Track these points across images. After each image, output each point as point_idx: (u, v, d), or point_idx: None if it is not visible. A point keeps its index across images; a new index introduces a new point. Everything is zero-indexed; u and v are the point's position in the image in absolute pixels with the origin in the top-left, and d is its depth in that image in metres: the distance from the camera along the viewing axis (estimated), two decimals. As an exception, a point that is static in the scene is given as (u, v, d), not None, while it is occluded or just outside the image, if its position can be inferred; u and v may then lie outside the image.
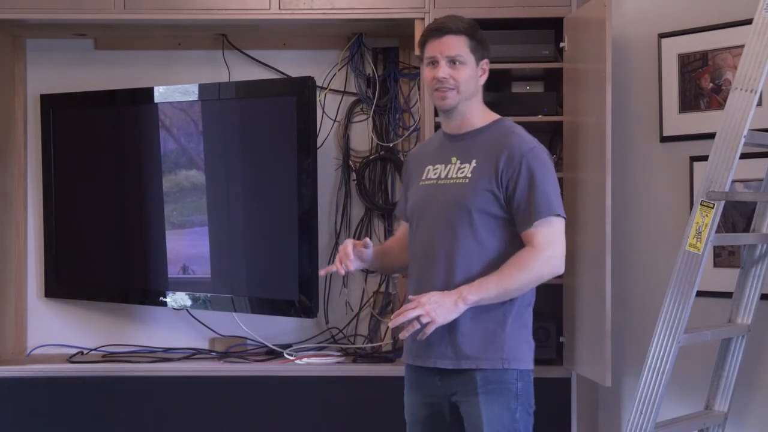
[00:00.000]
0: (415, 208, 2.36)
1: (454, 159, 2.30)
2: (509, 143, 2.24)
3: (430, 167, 2.36)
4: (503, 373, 2.21)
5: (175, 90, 3.49)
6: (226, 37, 3.63)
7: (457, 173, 2.28)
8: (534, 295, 2.30)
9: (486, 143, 2.28)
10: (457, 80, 2.27)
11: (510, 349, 2.22)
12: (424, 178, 2.37)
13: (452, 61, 2.27)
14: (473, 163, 2.26)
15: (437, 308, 2.13)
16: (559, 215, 2.21)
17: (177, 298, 3.52)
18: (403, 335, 2.17)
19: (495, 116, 2.36)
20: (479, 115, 2.34)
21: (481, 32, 2.31)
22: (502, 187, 2.21)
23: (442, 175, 2.31)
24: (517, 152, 2.22)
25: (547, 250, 2.18)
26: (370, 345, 3.60)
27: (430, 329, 2.13)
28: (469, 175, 2.25)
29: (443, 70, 2.27)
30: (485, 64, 2.33)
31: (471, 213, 2.22)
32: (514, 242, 2.23)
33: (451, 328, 2.20)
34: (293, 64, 3.64)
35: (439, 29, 2.28)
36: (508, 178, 2.21)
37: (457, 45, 2.27)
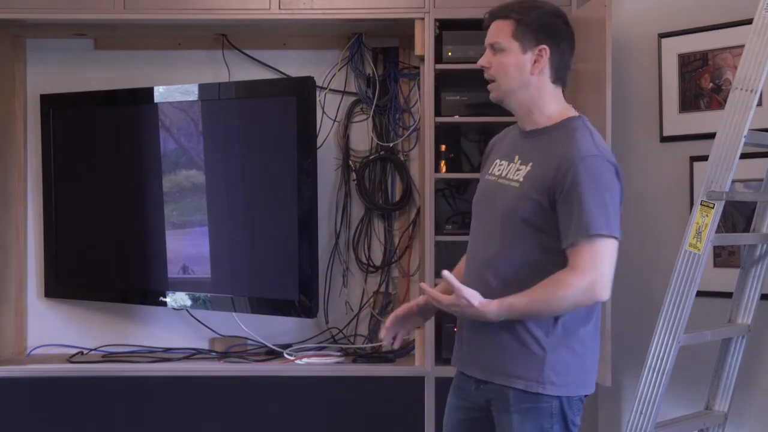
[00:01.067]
0: (476, 203, 2.21)
1: (516, 158, 2.11)
2: (563, 150, 2.01)
3: (498, 161, 2.18)
4: (539, 395, 2.03)
5: (175, 90, 3.49)
6: (226, 37, 3.63)
7: (514, 174, 2.10)
8: (591, 313, 2.06)
9: (547, 146, 2.07)
10: (495, 70, 2.09)
11: (549, 371, 2.03)
12: (490, 172, 2.19)
13: (493, 48, 2.09)
14: (529, 167, 2.07)
15: (458, 314, 2.06)
16: (602, 235, 1.94)
17: (177, 298, 3.52)
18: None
19: (568, 114, 2.11)
20: (547, 113, 2.10)
21: (543, 14, 2.07)
22: (551, 198, 2.00)
23: (503, 174, 2.13)
24: (567, 161, 1.98)
25: (587, 274, 1.94)
26: (370, 345, 3.60)
27: None
28: (521, 180, 2.06)
29: (483, 58, 2.11)
30: (540, 50, 2.05)
31: (517, 221, 2.05)
32: (558, 257, 2.01)
33: (490, 338, 2.08)
34: (293, 64, 3.64)
35: (488, 14, 2.12)
36: (555, 189, 1.99)
37: (498, 30, 2.08)
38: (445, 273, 2.03)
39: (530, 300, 1.99)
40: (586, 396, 2.12)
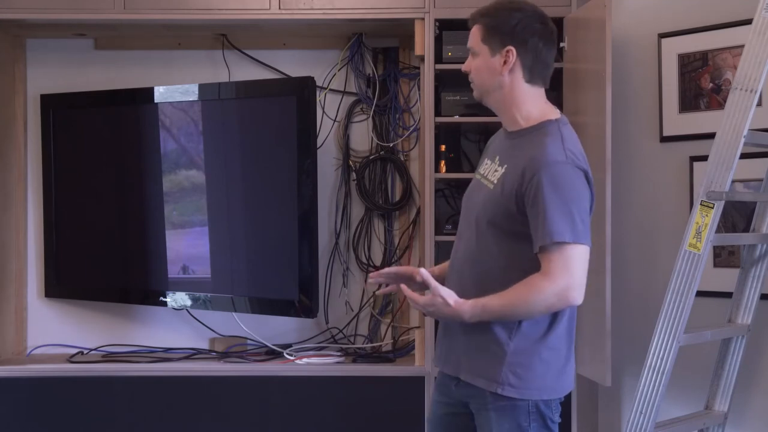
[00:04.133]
0: (463, 200, 2.25)
1: (497, 158, 2.15)
2: (531, 155, 2.03)
3: (486, 160, 2.21)
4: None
5: (175, 90, 3.49)
6: (226, 37, 3.63)
7: (492, 174, 2.13)
8: (559, 318, 2.07)
9: (520, 150, 2.08)
10: (472, 74, 2.15)
11: (508, 372, 2.05)
12: (478, 169, 2.23)
13: (471, 53, 2.15)
14: (504, 169, 2.09)
15: (434, 314, 2.09)
16: (565, 242, 1.96)
17: (177, 298, 3.52)
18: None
19: (548, 116, 2.11)
20: (525, 114, 2.11)
21: (512, 19, 2.08)
22: (519, 204, 2.02)
23: (485, 173, 2.17)
24: (533, 166, 2.00)
25: (559, 280, 1.97)
26: (370, 345, 3.60)
27: None
28: (495, 182, 2.10)
29: (465, 63, 2.17)
30: (507, 52, 2.07)
31: (487, 222, 2.09)
32: (527, 261, 2.03)
33: (459, 337, 2.14)
34: (293, 64, 3.64)
35: (469, 19, 2.16)
36: (523, 195, 2.01)
37: (473, 35, 2.13)
38: (422, 271, 2.11)
39: (504, 302, 2.01)
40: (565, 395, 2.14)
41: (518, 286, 2.01)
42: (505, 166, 2.10)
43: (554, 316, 2.07)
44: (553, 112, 2.14)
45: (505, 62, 2.08)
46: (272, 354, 3.53)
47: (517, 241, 2.05)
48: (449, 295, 2.03)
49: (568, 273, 1.98)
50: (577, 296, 2.00)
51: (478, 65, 2.13)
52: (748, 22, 2.65)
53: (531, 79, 2.11)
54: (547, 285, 1.98)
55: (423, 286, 2.21)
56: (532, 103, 2.12)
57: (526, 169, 2.01)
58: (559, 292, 1.98)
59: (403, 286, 2.15)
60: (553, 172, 1.99)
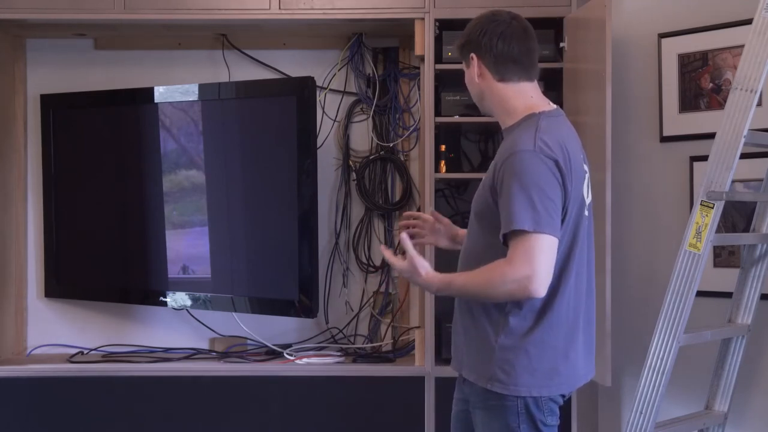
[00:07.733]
0: None
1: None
2: (505, 147, 2.10)
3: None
4: (502, 394, 2.08)
5: (175, 90, 3.49)
6: (226, 37, 3.63)
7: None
8: (546, 315, 2.07)
9: (504, 144, 2.15)
10: None
11: (497, 368, 2.07)
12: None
13: None
14: (491, 165, 2.15)
15: (410, 280, 2.20)
16: (530, 231, 1.96)
17: (177, 298, 3.52)
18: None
19: (531, 110, 2.13)
20: (511, 111, 2.16)
21: (470, 28, 2.18)
22: (494, 195, 2.07)
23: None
24: (502, 157, 2.05)
25: (520, 268, 1.96)
26: (370, 345, 3.60)
27: None
28: (484, 178, 2.16)
29: None
30: (472, 60, 2.16)
31: (475, 215, 2.17)
32: (501, 252, 2.04)
33: (459, 334, 2.19)
34: (293, 64, 3.64)
35: None
36: (496, 185, 2.06)
37: None
38: (403, 236, 2.21)
39: (467, 280, 2.08)
40: (563, 396, 2.14)
41: (485, 267, 2.03)
42: (493, 162, 2.15)
43: (540, 312, 2.07)
44: (541, 106, 2.16)
45: (474, 68, 2.17)
46: (272, 354, 3.53)
47: (493, 233, 2.06)
48: (422, 266, 2.12)
49: (529, 263, 1.96)
50: (538, 287, 1.97)
51: (466, 81, 2.23)
52: (748, 22, 2.65)
53: (502, 77, 2.15)
54: (508, 271, 1.98)
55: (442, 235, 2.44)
56: (515, 101, 2.16)
57: (498, 161, 2.08)
58: (519, 280, 1.96)
59: (383, 248, 2.27)
60: (516, 161, 2.01)
